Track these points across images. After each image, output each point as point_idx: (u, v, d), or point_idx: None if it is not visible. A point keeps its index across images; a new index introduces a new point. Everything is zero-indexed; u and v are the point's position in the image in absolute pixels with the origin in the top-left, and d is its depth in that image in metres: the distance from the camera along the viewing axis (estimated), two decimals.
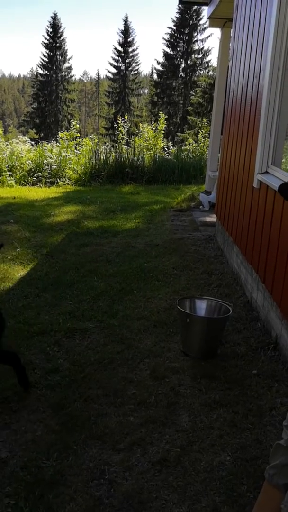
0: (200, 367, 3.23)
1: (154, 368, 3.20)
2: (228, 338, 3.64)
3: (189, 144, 14.75)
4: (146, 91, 52.37)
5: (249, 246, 4.36)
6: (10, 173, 11.15)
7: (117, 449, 2.48)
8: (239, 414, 2.77)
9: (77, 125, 13.63)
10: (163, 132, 13.87)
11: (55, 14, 46.77)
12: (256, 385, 3.05)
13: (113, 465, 2.38)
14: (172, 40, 41.27)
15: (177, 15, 40.61)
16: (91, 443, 2.51)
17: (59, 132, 13.93)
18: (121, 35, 46.16)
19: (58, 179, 11.20)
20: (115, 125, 15.19)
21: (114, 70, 46.86)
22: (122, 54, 46.47)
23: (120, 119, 13.74)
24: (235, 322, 3.90)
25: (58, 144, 12.80)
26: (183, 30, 40.67)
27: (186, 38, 40.97)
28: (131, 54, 46.74)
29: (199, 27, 40.54)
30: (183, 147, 14.48)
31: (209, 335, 3.37)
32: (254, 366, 3.26)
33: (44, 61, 47.25)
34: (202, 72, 40.74)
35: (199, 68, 41.46)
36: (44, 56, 47.13)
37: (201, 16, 39.57)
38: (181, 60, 41.80)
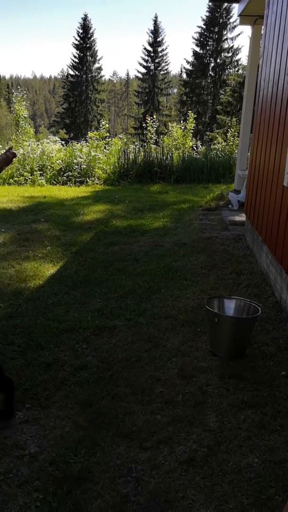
0: (228, 367, 3.20)
1: (182, 367, 3.20)
2: (256, 338, 3.60)
3: (218, 143, 14.66)
4: (175, 90, 52.26)
5: (279, 246, 4.30)
6: (40, 172, 11.32)
7: (144, 447, 2.49)
8: (267, 415, 2.73)
9: (107, 125, 13.73)
10: (192, 131, 13.82)
11: (86, 16, 47.11)
12: (285, 386, 3.00)
13: (140, 463, 2.38)
14: (201, 39, 41.06)
15: (207, 14, 40.40)
16: (119, 441, 2.53)
17: (89, 132, 14.05)
18: (151, 35, 46.24)
19: (87, 179, 11.30)
20: (144, 124, 15.21)
21: (143, 70, 46.96)
22: (152, 54, 46.51)
23: (149, 119, 13.76)
24: (264, 323, 3.85)
25: (87, 144, 12.92)
26: (213, 28, 40.40)
27: (216, 36, 40.69)
28: (160, 54, 46.74)
29: (229, 25, 40.23)
30: (212, 146, 14.39)
31: (237, 335, 3.34)
32: (283, 367, 3.22)
33: (75, 62, 47.74)
34: (231, 70, 40.38)
35: (228, 67, 41.11)
36: (75, 57, 47.63)
37: (231, 14, 39.29)
38: (211, 59, 41.52)
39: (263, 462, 2.38)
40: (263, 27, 5.75)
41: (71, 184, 11.00)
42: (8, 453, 2.44)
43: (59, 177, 11.32)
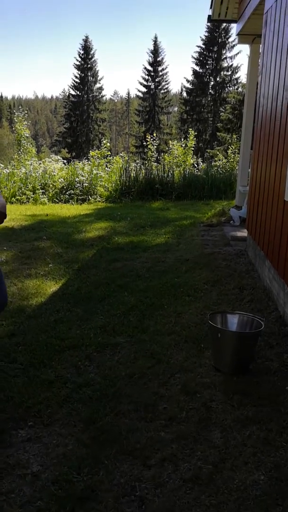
0: (232, 383, 3.17)
1: (185, 383, 3.17)
2: (260, 353, 3.57)
3: (219, 160, 14.78)
4: (176, 109, 52.88)
5: (281, 260, 4.29)
6: (43, 191, 11.40)
7: (148, 465, 2.45)
8: (273, 431, 2.69)
9: (108, 144, 13.87)
10: (192, 148, 13.96)
11: (87, 37, 47.99)
12: None
13: (144, 481, 2.34)
14: (201, 58, 41.68)
15: (206, 34, 41.11)
16: (122, 458, 2.49)
17: (90, 151, 14.19)
18: (151, 55, 46.95)
19: (89, 196, 11.38)
20: (144, 143, 15.35)
21: (144, 89, 47.56)
22: (152, 73, 47.16)
23: (150, 137, 13.90)
24: (267, 338, 3.83)
25: (89, 162, 13.05)
26: (212, 48, 41.04)
27: (215, 56, 41.30)
28: (160, 73, 47.39)
29: (227, 45, 40.87)
30: (213, 163, 14.50)
31: (241, 350, 3.32)
32: (287, 382, 3.18)
33: (76, 82, 48.43)
34: (231, 89, 40.90)
35: (228, 85, 41.64)
36: (76, 77, 48.34)
37: (229, 34, 39.95)
38: (210, 77, 42.09)
39: (269, 479, 2.34)
40: (261, 45, 5.84)
41: (73, 202, 11.06)
42: (10, 473, 2.40)
43: (61, 196, 11.40)
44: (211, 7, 8.19)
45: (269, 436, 2.65)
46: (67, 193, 11.44)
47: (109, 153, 13.79)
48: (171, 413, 2.85)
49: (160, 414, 2.85)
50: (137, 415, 2.84)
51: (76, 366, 3.41)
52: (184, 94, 43.87)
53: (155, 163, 13.04)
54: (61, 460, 2.49)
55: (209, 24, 37.73)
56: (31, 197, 11.12)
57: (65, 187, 11.67)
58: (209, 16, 8.58)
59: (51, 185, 11.65)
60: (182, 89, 44.38)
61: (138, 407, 2.92)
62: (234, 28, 8.46)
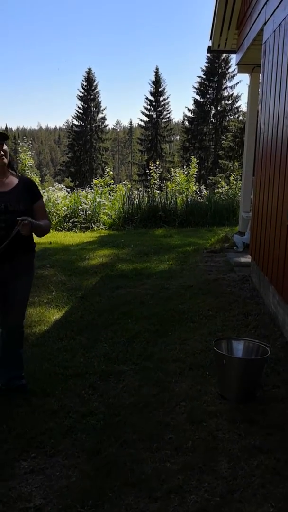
0: (239, 411, 3.11)
1: (191, 412, 3.11)
2: (267, 380, 3.51)
3: (222, 187, 14.88)
4: (178, 137, 53.62)
5: (285, 286, 4.27)
6: None
7: (153, 497, 2.38)
8: (281, 461, 2.63)
9: (111, 172, 14.02)
10: (195, 176, 14.07)
11: (90, 69, 49.08)
12: None
13: None
14: (202, 88, 42.47)
15: (206, 64, 41.98)
16: (127, 490, 2.43)
17: (94, 179, 14.34)
18: (152, 85, 47.84)
19: (92, 224, 11.43)
20: (147, 171, 15.52)
21: (146, 119, 48.33)
22: (154, 103, 47.98)
23: (152, 165, 14.05)
24: (273, 364, 3.77)
25: (92, 190, 13.16)
26: (212, 78, 41.87)
27: (216, 85, 42.10)
28: (162, 103, 48.21)
29: (227, 75, 41.70)
30: (215, 190, 14.60)
31: (247, 377, 3.27)
32: None
33: (79, 112, 49.31)
34: (232, 117, 41.53)
35: (229, 114, 42.29)
36: (79, 108, 49.24)
37: (229, 64, 40.81)
38: (211, 106, 42.80)
39: (279, 511, 2.27)
40: (260, 74, 5.95)
41: (76, 230, 11.11)
42: (12, 506, 2.34)
43: (65, 223, 11.46)
44: (210, 38, 8.39)
45: (277, 466, 2.58)
46: (71, 221, 11.51)
47: (112, 181, 13.92)
48: (177, 443, 2.79)
49: (166, 444, 2.79)
50: (142, 445, 2.78)
51: (80, 395, 3.36)
52: (186, 122, 44.55)
53: (158, 191, 13.14)
54: (65, 492, 2.43)
55: (209, 54, 38.56)
56: None
57: (68, 215, 11.75)
58: (209, 47, 8.78)
59: (54, 213, 11.72)
60: (183, 118, 45.09)
61: (143, 437, 2.86)
62: (234, 58, 8.65)
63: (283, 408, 3.15)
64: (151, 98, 48.02)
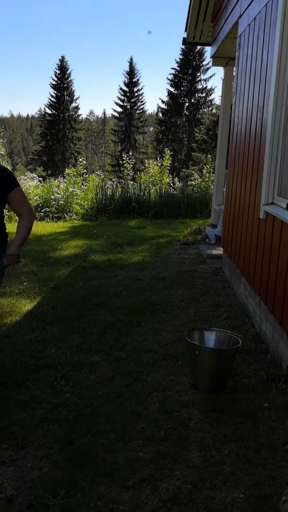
0: (210, 401, 3.16)
1: (163, 402, 3.13)
2: (238, 370, 3.57)
3: (194, 179, 14.95)
4: (151, 129, 53.50)
5: (256, 277, 4.33)
6: None
7: (126, 486, 2.40)
8: (251, 449, 2.68)
9: (84, 162, 13.90)
10: (168, 168, 14.09)
11: (63, 57, 48.35)
12: (268, 418, 2.96)
13: (122, 503, 2.29)
14: (176, 80, 42.45)
15: (181, 56, 41.93)
16: (99, 480, 2.43)
17: (66, 169, 14.19)
18: (127, 76, 47.54)
19: (65, 214, 11.33)
20: (120, 162, 15.45)
21: (119, 109, 48.04)
22: (128, 94, 47.71)
23: (126, 156, 13.99)
24: (244, 355, 3.83)
25: (65, 180, 13.03)
26: (187, 70, 41.87)
27: (190, 78, 42.13)
28: (136, 94, 47.97)
29: (202, 68, 41.79)
30: (188, 182, 14.66)
31: (218, 367, 3.31)
32: (265, 399, 3.18)
33: (52, 101, 48.59)
34: (205, 110, 41.72)
35: (202, 106, 42.44)
36: (52, 96, 48.51)
37: (204, 57, 40.89)
38: (185, 99, 42.85)
39: (248, 497, 2.32)
40: (235, 68, 5.98)
41: (48, 220, 11.00)
42: None
43: (37, 213, 11.31)
44: (186, 30, 8.37)
45: (247, 454, 2.63)
46: (42, 210, 11.37)
47: (85, 171, 13.81)
48: (149, 433, 2.81)
49: (138, 434, 2.81)
50: (114, 435, 2.79)
51: (52, 386, 3.34)
52: (160, 114, 44.50)
53: (131, 182, 13.11)
54: (36, 483, 2.42)
55: (183, 46, 38.57)
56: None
57: (40, 205, 11.60)
58: (184, 38, 8.77)
59: None
60: (157, 110, 45.02)
61: (115, 427, 2.87)
62: (209, 51, 8.67)
63: (253, 398, 3.21)
64: (125, 88, 47.73)
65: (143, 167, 17.42)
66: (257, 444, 2.71)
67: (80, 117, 52.00)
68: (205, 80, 43.18)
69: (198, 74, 42.07)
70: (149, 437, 2.78)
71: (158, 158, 15.47)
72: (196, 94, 42.51)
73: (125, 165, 13.77)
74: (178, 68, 42.19)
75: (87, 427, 2.86)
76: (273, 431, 2.83)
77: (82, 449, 2.66)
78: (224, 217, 6.53)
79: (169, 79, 42.63)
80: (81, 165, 13.70)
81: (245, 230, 4.94)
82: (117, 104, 48.03)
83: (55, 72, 48.17)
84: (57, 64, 48.11)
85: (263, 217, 4.17)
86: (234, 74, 6.15)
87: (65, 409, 3.05)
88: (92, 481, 2.43)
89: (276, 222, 3.76)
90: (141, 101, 48.34)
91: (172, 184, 14.00)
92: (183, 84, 42.52)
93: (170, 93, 42.71)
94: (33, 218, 3.15)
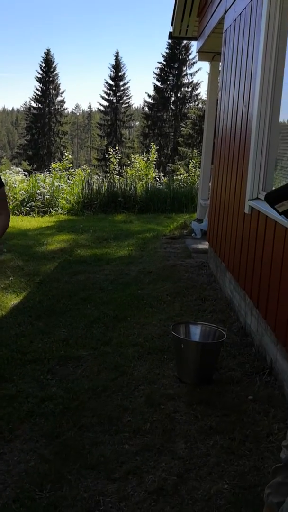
0: (196, 393, 3.19)
1: (149, 395, 3.16)
2: (223, 363, 3.61)
3: (181, 174, 14.97)
4: (137, 123, 53.38)
5: (241, 272, 4.38)
6: None
7: (112, 478, 2.42)
8: (236, 440, 2.72)
9: (70, 156, 13.82)
10: (154, 162, 14.09)
11: (48, 50, 47.93)
12: (252, 411, 3.01)
13: (108, 495, 2.31)
14: (162, 74, 42.35)
15: (167, 51, 41.84)
16: (86, 473, 2.45)
17: (52, 163, 14.11)
18: (112, 69, 47.31)
19: (51, 209, 11.27)
20: (107, 156, 15.41)
21: (105, 103, 47.82)
22: (114, 88, 47.50)
23: (112, 150, 13.96)
24: (229, 348, 3.87)
25: (51, 174, 12.95)
26: (173, 64, 41.80)
27: (176, 72, 42.07)
28: (122, 88, 47.80)
29: (188, 62, 41.74)
30: (174, 177, 14.68)
31: (203, 361, 3.35)
32: (250, 391, 3.23)
33: (38, 95, 48.19)
34: (191, 104, 41.70)
35: (188, 101, 42.43)
36: (38, 90, 48.11)
37: (190, 51, 40.84)
38: (171, 93, 42.80)
39: (233, 488, 2.36)
40: (221, 62, 6.00)
41: (34, 215, 10.94)
42: None
43: (22, 208, 11.24)
44: (172, 24, 8.36)
45: (232, 445, 2.67)
46: (28, 205, 11.30)
47: (71, 165, 13.74)
48: (135, 426, 2.84)
49: (124, 427, 2.83)
50: (101, 428, 2.81)
51: (38, 380, 3.35)
52: (146, 108, 44.40)
53: (118, 176, 13.09)
54: (23, 477, 2.43)
55: (170, 41, 38.47)
56: None
57: (26, 199, 11.53)
58: (170, 33, 8.75)
59: (11, 197, 11.47)
60: (143, 104, 44.89)
61: (102, 420, 2.89)
62: (195, 46, 8.66)
63: (238, 390, 3.25)
64: (111, 82, 47.52)
65: (129, 162, 17.41)
66: (242, 436, 2.76)
67: (65, 111, 51.72)
68: (191, 74, 43.22)
69: (184, 68, 42.04)
70: (135, 429, 2.80)
71: (144, 153, 15.45)
72: (182, 89, 42.48)
73: (111, 159, 13.74)
74: (164, 62, 42.10)
75: (73, 421, 2.87)
76: (257, 423, 2.88)
77: (68, 443, 2.68)
78: (209, 211, 6.57)
79: (155, 73, 42.56)
80: (67, 159, 13.63)
81: (230, 224, 4.98)
82: (103, 98, 47.83)
83: (40, 65, 47.78)
84: (43, 57, 47.72)
85: (248, 212, 4.20)
86: (220, 69, 6.17)
87: (51, 403, 3.06)
88: (79, 474, 2.44)
89: (261, 217, 3.80)
90: (127, 95, 48.21)
91: (158, 179, 14.01)
92: (170, 78, 42.46)
93: (156, 87, 42.62)
94: (7, 224, 2.98)
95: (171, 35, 8.81)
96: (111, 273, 5.90)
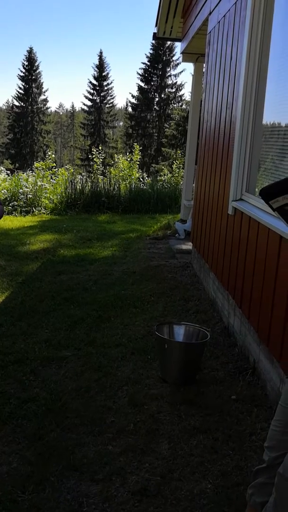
0: (179, 393, 3.19)
1: (133, 396, 3.15)
2: (206, 364, 3.62)
3: (164, 175, 15.00)
4: (121, 123, 53.39)
5: (225, 272, 4.40)
6: None
7: (95, 479, 2.41)
8: (219, 440, 2.73)
9: (53, 156, 13.74)
10: (138, 162, 14.09)
11: (31, 49, 47.64)
12: (235, 410, 3.03)
13: (92, 497, 2.30)
14: (146, 75, 42.44)
15: (151, 51, 41.97)
16: (69, 474, 2.44)
17: (35, 162, 14.00)
18: (96, 69, 47.24)
19: (33, 208, 11.19)
20: (90, 156, 15.35)
21: (89, 103, 47.73)
22: (97, 88, 47.42)
23: (95, 150, 13.92)
24: (213, 348, 3.89)
25: (33, 173, 12.86)
26: (157, 65, 41.92)
27: (160, 73, 42.20)
28: (106, 88, 47.75)
29: (172, 63, 41.92)
30: (158, 178, 14.70)
31: (187, 361, 3.35)
32: (233, 391, 3.25)
33: (20, 93, 47.85)
34: (175, 105, 41.87)
35: (172, 102, 42.60)
36: (20, 88, 47.77)
37: (174, 53, 41.03)
38: (155, 94, 42.91)
39: (216, 487, 2.37)
40: (205, 64, 6.02)
41: (16, 214, 10.84)
42: None
43: (4, 207, 11.13)
44: (156, 25, 8.37)
45: (215, 445, 2.68)
46: (10, 204, 11.20)
47: (54, 164, 13.66)
48: (119, 426, 2.83)
49: (108, 428, 2.82)
50: (84, 430, 2.80)
51: (21, 381, 3.32)
52: (130, 109, 44.47)
53: (101, 176, 13.05)
54: (5, 479, 2.40)
55: (154, 41, 38.53)
56: None
57: (8, 199, 11.42)
58: (154, 33, 8.76)
59: None
60: (127, 104, 45.01)
61: (85, 421, 2.87)
62: (179, 47, 8.68)
63: (221, 390, 3.26)
64: (94, 82, 47.45)
65: (113, 162, 17.37)
66: (225, 436, 2.77)
67: (49, 110, 51.46)
68: (175, 75, 43.40)
69: (168, 69, 42.21)
70: (119, 430, 2.79)
71: (128, 153, 15.43)
72: (166, 90, 42.63)
73: (94, 159, 13.70)
74: (148, 63, 42.21)
75: (56, 422, 2.85)
76: (240, 423, 2.89)
77: (51, 444, 2.66)
78: (193, 212, 6.59)
79: (139, 74, 42.64)
80: (50, 158, 13.55)
81: (213, 225, 5.00)
82: (86, 97, 47.77)
83: (23, 63, 47.48)
84: (25, 56, 47.42)
85: (231, 213, 4.23)
86: (204, 70, 6.19)
87: (34, 404, 3.03)
88: (62, 475, 2.43)
89: (244, 218, 3.83)
90: (111, 95, 48.17)
91: (142, 179, 14.01)
92: (153, 79, 42.57)
93: (140, 88, 42.70)
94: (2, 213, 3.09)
95: (155, 36, 8.82)
96: (95, 274, 5.88)
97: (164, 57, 41.85)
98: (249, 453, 2.62)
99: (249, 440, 2.73)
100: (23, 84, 47.64)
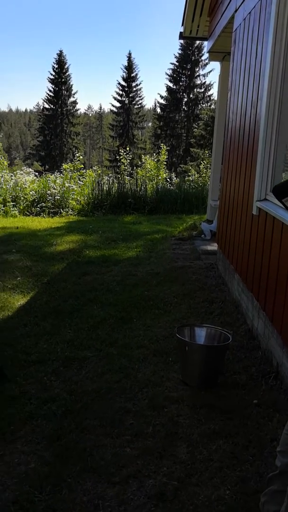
0: (200, 397, 3.15)
1: (153, 398, 3.13)
2: (228, 367, 3.56)
3: (192, 175, 14.92)
4: (150, 124, 53.41)
5: (249, 274, 4.32)
6: (13, 203, 11.27)
7: (112, 482, 2.40)
8: (239, 445, 2.68)
9: (81, 157, 13.83)
10: (165, 163, 14.05)
11: (61, 51, 48.14)
12: (256, 415, 2.96)
13: (108, 499, 2.29)
14: (174, 75, 42.32)
15: (180, 52, 41.81)
16: (86, 476, 2.43)
17: (63, 164, 14.13)
18: (125, 70, 47.36)
19: (61, 210, 11.30)
20: (118, 157, 15.40)
21: (118, 104, 47.91)
22: (126, 89, 47.56)
23: (122, 151, 13.95)
24: (235, 351, 3.83)
25: (61, 175, 12.98)
26: (186, 65, 41.75)
27: (188, 73, 42.01)
28: (134, 89, 47.83)
29: (201, 63, 41.65)
30: (186, 178, 14.63)
31: (208, 364, 3.31)
32: (254, 395, 3.18)
33: (50, 96, 48.43)
34: (204, 105, 41.62)
35: (201, 102, 42.34)
36: (50, 91, 48.35)
37: (202, 52, 40.72)
38: (184, 94, 42.74)
39: (235, 494, 2.32)
40: (230, 62, 5.95)
41: (44, 215, 10.97)
42: None
43: (33, 208, 11.28)
44: (182, 24, 8.32)
45: (235, 450, 2.63)
46: (39, 205, 11.33)
47: (83, 166, 13.76)
48: (138, 429, 2.81)
49: (126, 430, 2.81)
50: (102, 431, 2.79)
51: (42, 381, 3.34)
52: (158, 109, 44.45)
53: (128, 177, 13.07)
54: (23, 479, 2.41)
55: (182, 41, 38.39)
56: (2, 209, 10.98)
57: (36, 200, 11.56)
58: (180, 33, 8.71)
59: (22, 198, 11.52)
60: (156, 105, 45.04)
61: (104, 423, 2.86)
62: (206, 46, 8.61)
63: (243, 394, 3.20)
64: (123, 83, 47.59)
65: (140, 163, 17.38)
66: (245, 441, 2.71)
67: (78, 112, 51.87)
68: (203, 75, 43.19)
69: (197, 69, 41.96)
70: (137, 433, 2.77)
71: (155, 154, 15.41)
72: (195, 90, 42.40)
73: (122, 160, 13.73)
74: (177, 63, 42.07)
75: (75, 423, 2.85)
76: (261, 428, 2.83)
77: (69, 445, 2.66)
78: (218, 212, 6.51)
79: (168, 74, 42.56)
80: (79, 160, 13.65)
81: (238, 226, 4.93)
82: (115, 99, 47.93)
83: (53, 66, 48.01)
84: (55, 59, 47.95)
85: (255, 213, 4.15)
86: (229, 69, 6.11)
87: (54, 405, 3.04)
88: (79, 476, 2.42)
89: (268, 218, 3.75)
90: (140, 96, 48.24)
91: (169, 180, 13.97)
92: (182, 79, 42.41)
93: (168, 88, 42.60)
94: None
95: (181, 35, 8.77)
96: (119, 274, 5.88)
97: (193, 57, 41.64)
98: (270, 460, 2.55)
99: (270, 446, 2.67)
100: (53, 86, 48.21)
